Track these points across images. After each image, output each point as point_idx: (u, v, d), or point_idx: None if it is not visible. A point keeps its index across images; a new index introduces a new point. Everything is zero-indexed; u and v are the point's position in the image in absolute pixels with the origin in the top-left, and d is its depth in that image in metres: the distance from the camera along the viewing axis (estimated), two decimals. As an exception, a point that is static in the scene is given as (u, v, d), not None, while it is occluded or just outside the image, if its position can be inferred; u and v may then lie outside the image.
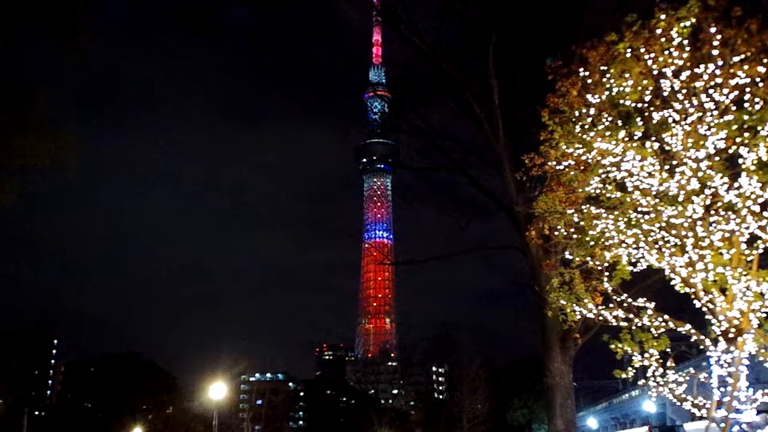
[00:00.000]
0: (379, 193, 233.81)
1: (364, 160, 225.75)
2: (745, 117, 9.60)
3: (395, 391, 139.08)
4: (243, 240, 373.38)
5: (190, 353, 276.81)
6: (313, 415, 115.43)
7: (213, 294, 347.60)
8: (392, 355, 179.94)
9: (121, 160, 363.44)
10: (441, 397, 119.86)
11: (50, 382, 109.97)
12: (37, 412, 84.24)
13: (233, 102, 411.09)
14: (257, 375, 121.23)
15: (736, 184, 9.76)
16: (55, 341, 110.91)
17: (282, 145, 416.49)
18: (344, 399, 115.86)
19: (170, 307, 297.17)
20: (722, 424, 10.21)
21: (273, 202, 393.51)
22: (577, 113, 11.04)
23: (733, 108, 9.77)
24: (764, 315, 9.99)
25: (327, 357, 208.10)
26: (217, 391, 46.66)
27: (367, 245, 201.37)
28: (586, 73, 10.89)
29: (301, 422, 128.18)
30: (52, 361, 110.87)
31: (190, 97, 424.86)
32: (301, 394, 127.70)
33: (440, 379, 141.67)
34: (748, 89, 9.65)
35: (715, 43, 9.73)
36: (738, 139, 9.70)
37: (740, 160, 9.75)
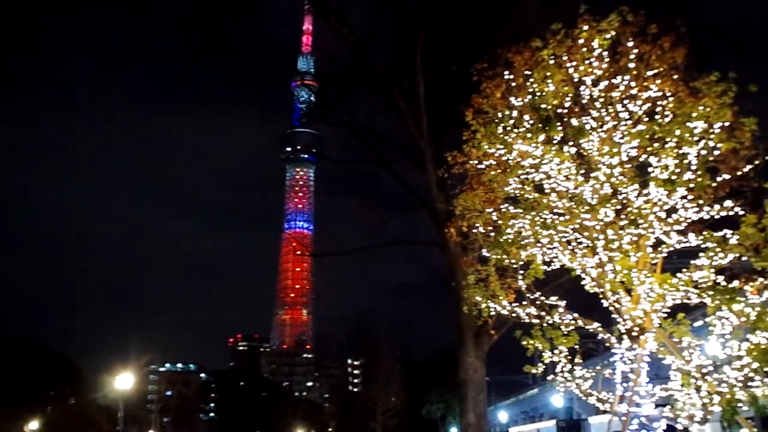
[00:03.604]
0: (301, 183, 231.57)
1: (288, 149, 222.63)
2: (656, 128, 10.09)
3: (310, 384, 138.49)
4: (164, 228, 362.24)
5: (100, 343, 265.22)
6: (225, 406, 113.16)
7: (129, 282, 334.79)
8: (308, 347, 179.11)
9: (35, 146, 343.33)
10: (356, 390, 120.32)
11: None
12: None
13: (157, 86, 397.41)
14: (167, 365, 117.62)
15: (645, 191, 10.26)
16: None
17: (206, 131, 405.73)
18: (258, 391, 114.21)
19: (84, 297, 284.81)
20: (623, 418, 10.75)
21: (195, 189, 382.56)
22: (500, 115, 11.25)
23: (645, 119, 10.26)
24: (665, 315, 10.55)
25: (241, 347, 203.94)
26: (123, 381, 44.89)
27: (286, 235, 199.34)
28: (511, 76, 11.17)
29: (212, 414, 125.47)
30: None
31: (112, 81, 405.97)
32: (213, 385, 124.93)
33: (356, 372, 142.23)
34: (659, 102, 10.18)
35: (632, 56, 10.18)
36: (648, 149, 10.19)
37: (649, 169, 10.25)
